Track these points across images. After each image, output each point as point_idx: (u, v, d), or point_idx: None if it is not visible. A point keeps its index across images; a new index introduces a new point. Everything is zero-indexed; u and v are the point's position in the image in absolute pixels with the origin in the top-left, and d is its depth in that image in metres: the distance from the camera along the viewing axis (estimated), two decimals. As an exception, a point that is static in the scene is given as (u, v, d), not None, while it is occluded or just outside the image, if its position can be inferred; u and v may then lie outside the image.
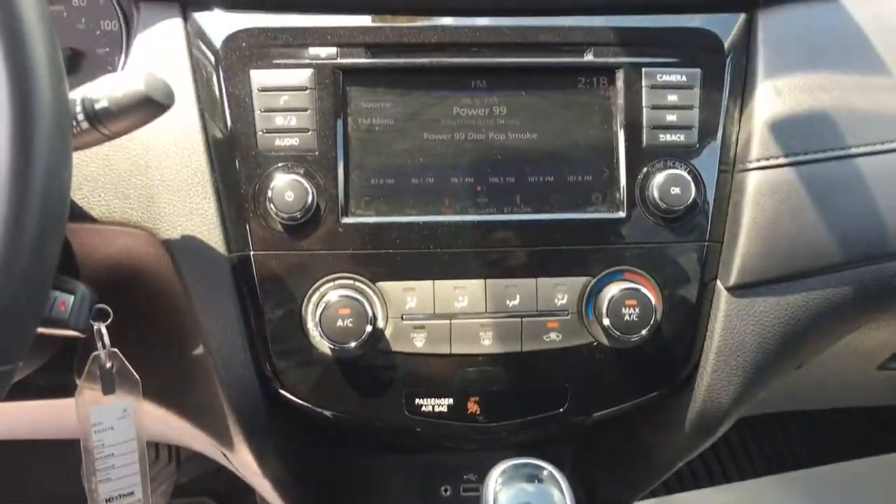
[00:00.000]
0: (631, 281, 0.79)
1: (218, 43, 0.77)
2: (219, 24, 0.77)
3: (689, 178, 0.77)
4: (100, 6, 0.77)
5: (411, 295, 0.77)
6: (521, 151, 0.79)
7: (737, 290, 0.78)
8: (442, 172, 0.78)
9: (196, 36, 0.77)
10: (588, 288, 0.79)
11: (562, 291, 0.78)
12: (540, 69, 0.79)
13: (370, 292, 0.77)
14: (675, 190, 0.78)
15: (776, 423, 1.49)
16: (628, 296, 0.77)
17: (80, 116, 0.56)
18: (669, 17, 0.80)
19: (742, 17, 0.81)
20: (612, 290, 0.78)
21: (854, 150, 0.77)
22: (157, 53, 0.77)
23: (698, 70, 0.80)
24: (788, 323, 0.77)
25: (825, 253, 0.77)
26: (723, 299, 0.79)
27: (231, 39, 0.77)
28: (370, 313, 0.75)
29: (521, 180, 0.79)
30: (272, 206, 0.75)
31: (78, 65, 0.78)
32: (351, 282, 0.77)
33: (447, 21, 0.78)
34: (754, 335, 0.78)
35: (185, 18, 0.77)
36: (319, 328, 0.75)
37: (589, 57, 0.79)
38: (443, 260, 0.78)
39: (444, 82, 0.79)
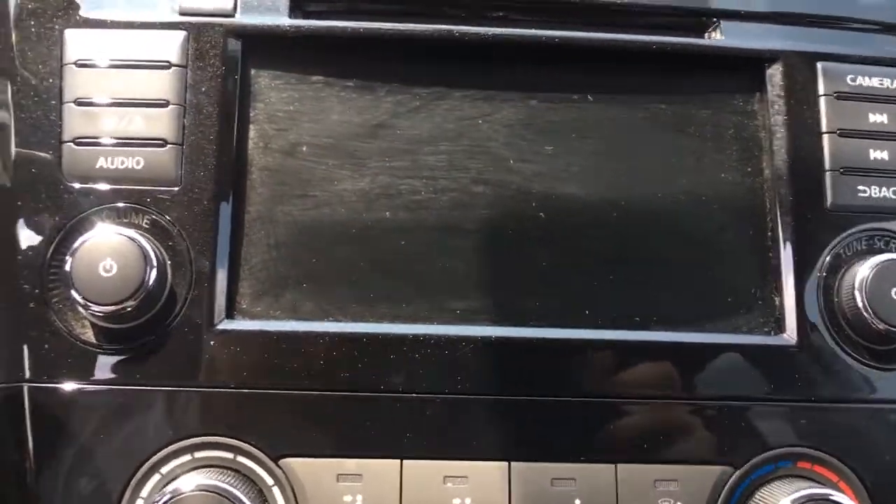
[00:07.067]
0: (812, 479, 0.53)
1: None
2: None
3: None
4: None
5: (352, 490, 0.50)
6: (582, 208, 0.55)
7: None
8: (430, 240, 0.53)
9: None
10: (725, 489, 0.53)
11: (670, 495, 0.52)
12: (619, 54, 0.58)
13: (266, 479, 0.51)
14: (903, 293, 0.53)
15: None
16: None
17: None
18: None
19: None
20: (778, 497, 0.51)
21: None
22: None
23: None
24: None
25: None
26: None
27: None
28: None
29: (583, 266, 0.54)
30: (76, 289, 0.50)
31: None
32: (229, 455, 0.51)
33: None
34: None
35: None
36: None
37: (715, 36, 0.57)
38: (425, 419, 0.51)
39: (444, 71, 0.56)
